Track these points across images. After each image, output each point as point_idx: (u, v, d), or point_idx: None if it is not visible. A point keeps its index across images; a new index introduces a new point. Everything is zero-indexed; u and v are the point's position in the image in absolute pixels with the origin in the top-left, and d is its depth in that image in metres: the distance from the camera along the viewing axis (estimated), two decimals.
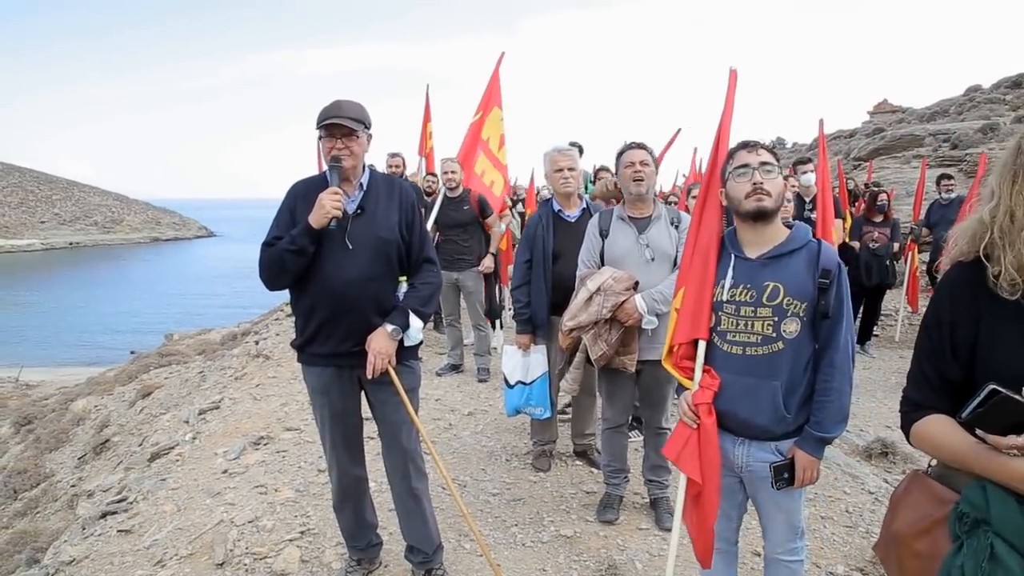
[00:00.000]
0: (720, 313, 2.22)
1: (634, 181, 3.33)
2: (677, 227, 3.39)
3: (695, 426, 2.23)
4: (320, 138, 2.66)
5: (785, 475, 2.18)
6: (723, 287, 2.21)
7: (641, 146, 3.38)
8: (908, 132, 19.97)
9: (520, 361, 4.08)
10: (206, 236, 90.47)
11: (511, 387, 4.14)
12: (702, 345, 2.27)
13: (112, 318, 32.89)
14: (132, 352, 16.41)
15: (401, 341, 2.76)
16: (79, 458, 7.72)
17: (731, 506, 2.39)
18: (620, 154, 3.44)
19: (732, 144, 2.30)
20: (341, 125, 2.58)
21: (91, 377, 12.87)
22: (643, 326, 3.28)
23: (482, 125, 6.49)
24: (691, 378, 2.29)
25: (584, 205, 4.08)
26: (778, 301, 2.12)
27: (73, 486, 6.81)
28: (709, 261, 2.26)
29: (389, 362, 2.70)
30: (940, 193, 7.99)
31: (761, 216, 2.14)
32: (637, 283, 3.27)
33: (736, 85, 2.43)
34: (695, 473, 2.22)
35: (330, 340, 2.72)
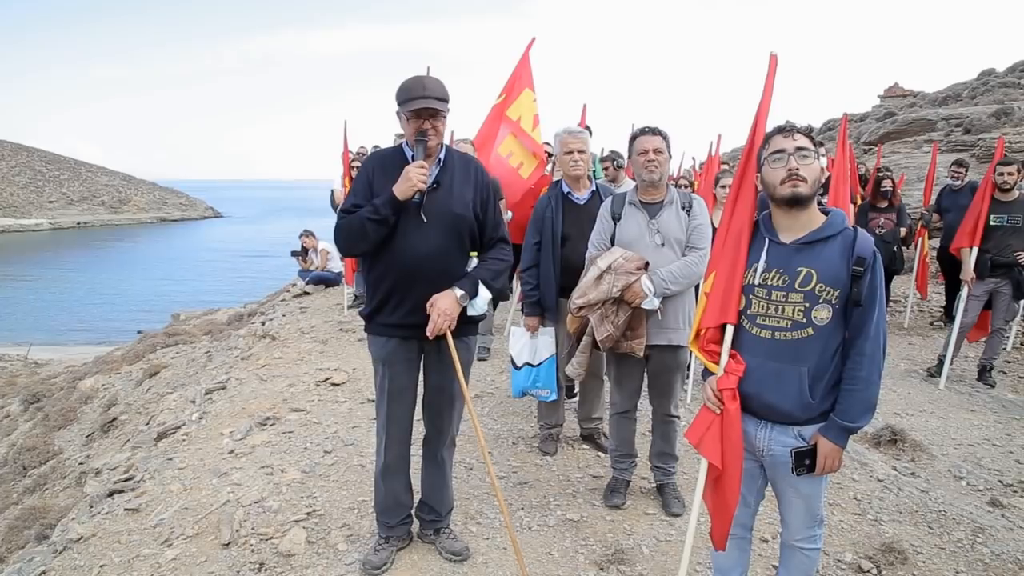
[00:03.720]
0: (751, 296, 2.21)
1: (646, 169, 3.30)
2: (688, 211, 3.35)
3: (719, 411, 2.23)
4: (402, 115, 2.71)
5: (806, 462, 2.17)
6: (755, 271, 2.20)
7: (656, 132, 3.32)
8: (920, 116, 19.68)
9: (528, 343, 4.06)
10: (213, 217, 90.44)
11: (518, 369, 4.12)
12: (729, 330, 2.27)
13: (120, 298, 33.01)
14: (139, 332, 16.47)
15: (464, 311, 2.78)
16: (87, 436, 7.76)
17: (750, 491, 2.39)
18: (633, 139, 3.39)
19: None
20: (429, 108, 2.64)
21: (99, 356, 12.92)
22: (643, 306, 3.24)
23: (507, 106, 6.37)
24: (717, 362, 2.29)
25: (593, 187, 4.03)
26: (810, 287, 2.11)
27: (81, 464, 6.84)
28: (740, 247, 2.25)
29: (449, 326, 2.71)
30: (950, 179, 7.88)
31: (796, 202, 2.12)
32: (647, 263, 3.24)
33: (775, 71, 2.39)
34: (716, 458, 2.23)
35: (398, 311, 2.79)
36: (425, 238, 2.71)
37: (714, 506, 2.34)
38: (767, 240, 2.21)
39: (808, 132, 2.19)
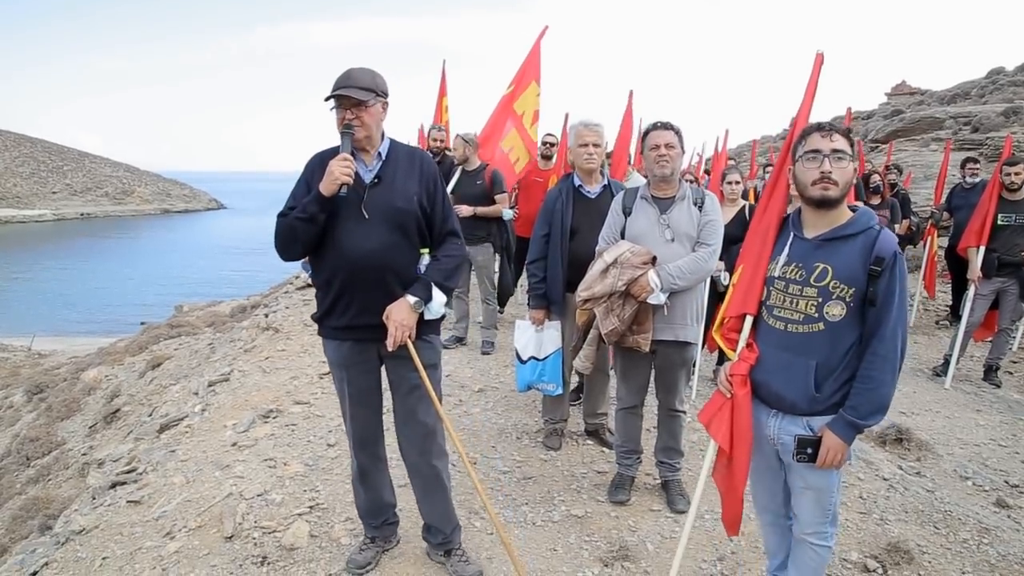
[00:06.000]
0: (771, 288, 2.26)
1: (657, 164, 3.28)
2: (700, 208, 3.33)
3: (729, 395, 2.29)
4: (332, 108, 2.60)
5: (808, 450, 2.19)
6: (777, 263, 2.25)
7: (668, 127, 3.31)
8: (928, 114, 19.57)
9: (533, 336, 4.04)
10: (216, 208, 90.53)
11: (523, 363, 4.10)
12: (748, 319, 2.33)
13: (123, 289, 33.09)
14: (142, 323, 16.49)
15: (421, 315, 2.70)
16: (90, 427, 7.77)
17: (774, 479, 2.42)
18: (645, 134, 3.37)
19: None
20: (349, 97, 2.53)
21: (102, 347, 12.95)
22: (649, 301, 3.23)
23: (515, 98, 6.33)
24: (735, 350, 2.36)
25: (605, 182, 4.00)
26: (825, 283, 2.13)
27: (84, 455, 6.85)
28: (767, 240, 2.31)
29: (409, 335, 2.64)
30: (964, 177, 7.81)
31: (825, 204, 2.14)
32: (655, 258, 3.23)
33: (820, 70, 2.40)
34: (724, 441, 2.30)
35: (347, 313, 2.68)
36: (367, 235, 2.60)
37: (725, 490, 2.40)
38: (792, 234, 2.26)
39: (846, 132, 2.18)
